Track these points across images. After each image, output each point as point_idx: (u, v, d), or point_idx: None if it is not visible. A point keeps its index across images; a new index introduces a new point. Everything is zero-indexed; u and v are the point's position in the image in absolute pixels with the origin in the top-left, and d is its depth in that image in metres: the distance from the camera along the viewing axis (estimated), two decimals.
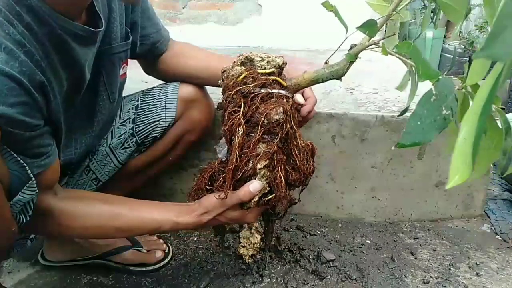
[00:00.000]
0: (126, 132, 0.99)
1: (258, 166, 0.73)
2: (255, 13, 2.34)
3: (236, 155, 0.72)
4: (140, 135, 0.99)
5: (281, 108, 0.72)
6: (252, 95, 0.73)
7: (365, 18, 0.63)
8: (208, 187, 0.79)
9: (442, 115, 0.45)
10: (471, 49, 3.37)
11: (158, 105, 1.00)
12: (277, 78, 0.75)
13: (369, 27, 0.63)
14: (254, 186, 0.73)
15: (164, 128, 1.00)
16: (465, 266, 1.08)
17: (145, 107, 1.01)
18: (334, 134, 1.19)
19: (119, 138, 0.99)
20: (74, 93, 0.78)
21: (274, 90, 0.74)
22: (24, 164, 0.61)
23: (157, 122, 0.99)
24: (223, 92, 0.77)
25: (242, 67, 0.75)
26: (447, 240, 1.19)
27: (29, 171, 0.61)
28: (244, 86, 0.73)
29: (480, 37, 3.48)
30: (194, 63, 1.00)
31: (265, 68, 0.74)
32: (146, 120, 0.99)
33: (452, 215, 1.29)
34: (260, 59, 0.75)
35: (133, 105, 1.02)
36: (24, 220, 0.65)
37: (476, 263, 1.09)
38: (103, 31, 0.79)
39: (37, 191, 0.64)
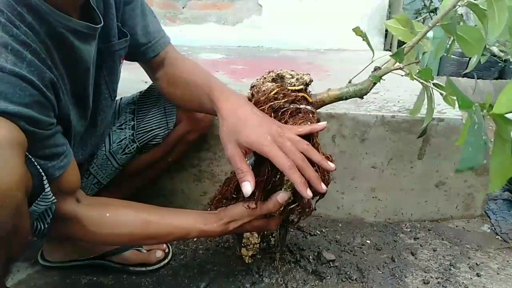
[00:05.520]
0: (126, 138, 0.99)
1: (286, 177, 0.75)
2: (255, 13, 2.34)
3: (268, 167, 0.74)
4: (141, 141, 0.99)
5: (308, 123, 0.77)
6: (282, 110, 0.77)
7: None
8: (234, 196, 0.81)
9: (483, 139, 0.51)
10: None
11: (157, 111, 1.00)
12: (305, 95, 0.79)
13: (398, 55, 0.73)
14: (282, 196, 0.75)
15: (166, 134, 1.00)
16: (465, 266, 1.08)
17: (144, 113, 1.00)
18: (334, 134, 1.19)
19: (120, 143, 0.99)
20: (82, 92, 0.77)
21: (301, 106, 0.78)
22: (41, 170, 0.60)
23: (158, 130, 0.99)
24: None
25: (274, 83, 0.79)
26: (448, 240, 1.19)
27: (45, 182, 0.61)
28: (276, 101, 0.77)
29: None
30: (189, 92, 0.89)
31: (294, 85, 0.79)
32: (146, 127, 0.99)
33: (453, 215, 1.29)
34: (290, 76, 0.79)
35: (130, 109, 1.01)
36: (43, 228, 0.64)
37: (477, 263, 1.09)
38: (101, 27, 0.78)
39: (54, 200, 0.63)
